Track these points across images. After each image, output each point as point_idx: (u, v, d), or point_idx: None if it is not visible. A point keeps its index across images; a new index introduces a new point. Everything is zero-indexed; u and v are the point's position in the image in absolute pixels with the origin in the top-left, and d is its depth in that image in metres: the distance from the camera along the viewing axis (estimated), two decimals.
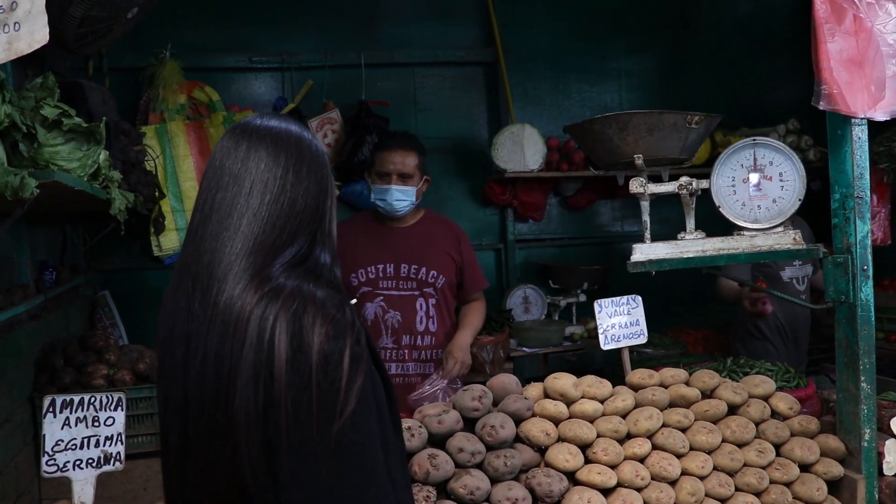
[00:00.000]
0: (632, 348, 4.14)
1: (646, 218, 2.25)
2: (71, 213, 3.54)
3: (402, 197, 2.97)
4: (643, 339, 2.37)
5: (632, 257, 2.18)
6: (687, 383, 2.22)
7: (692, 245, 2.18)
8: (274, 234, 1.19)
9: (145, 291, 4.14)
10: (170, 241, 4.06)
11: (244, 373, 1.08)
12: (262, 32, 4.52)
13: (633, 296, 2.38)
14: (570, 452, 1.93)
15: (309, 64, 4.51)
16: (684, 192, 2.16)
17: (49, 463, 1.71)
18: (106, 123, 2.97)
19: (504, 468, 1.86)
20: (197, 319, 1.15)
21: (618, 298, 2.37)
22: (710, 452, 2.04)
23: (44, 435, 1.71)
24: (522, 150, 4.35)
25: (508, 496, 1.81)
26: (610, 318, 2.33)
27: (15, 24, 1.38)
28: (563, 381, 2.08)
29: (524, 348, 4.18)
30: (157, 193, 3.63)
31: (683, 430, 2.07)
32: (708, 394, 2.21)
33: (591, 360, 4.39)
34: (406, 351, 3.03)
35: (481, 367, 3.68)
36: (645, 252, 2.18)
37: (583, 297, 4.55)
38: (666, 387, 2.19)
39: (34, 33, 1.32)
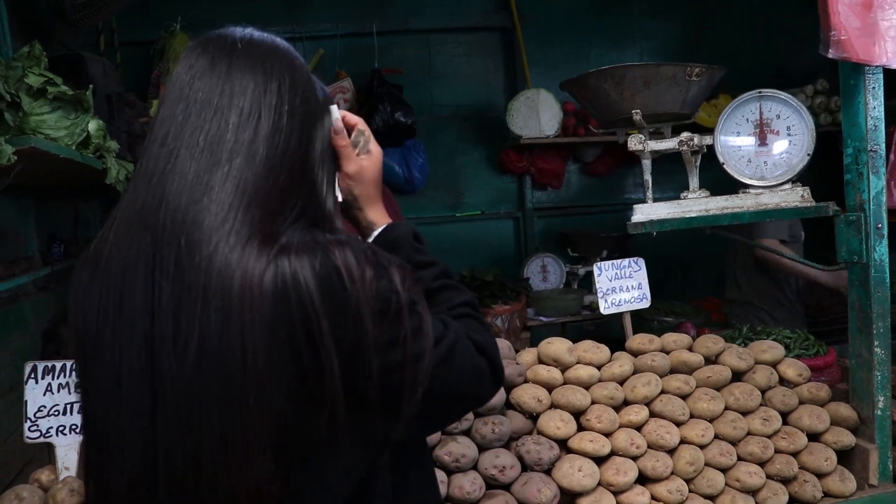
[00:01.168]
0: (650, 316, 4.07)
1: (647, 177, 2.17)
2: (82, 188, 3.55)
3: None
4: (646, 304, 2.27)
5: (632, 218, 2.10)
6: (690, 349, 2.13)
7: (695, 204, 2.08)
8: (271, 179, 0.94)
9: None
10: None
11: (275, 342, 0.87)
12: (272, 2, 4.47)
13: (635, 258, 2.28)
14: (561, 419, 1.86)
15: (320, 33, 4.47)
16: (685, 148, 2.06)
17: (32, 429, 1.70)
18: (108, 95, 2.98)
19: (492, 435, 1.80)
20: (170, 293, 0.89)
21: (619, 261, 2.28)
22: (711, 420, 1.94)
23: (26, 401, 1.71)
24: (538, 115, 4.24)
25: (496, 464, 1.75)
26: (610, 281, 2.24)
27: None
28: (556, 345, 2.01)
29: (542, 317, 4.12)
30: None
31: (684, 398, 1.98)
32: (712, 360, 2.12)
33: (610, 328, 4.29)
34: None
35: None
36: (646, 212, 2.10)
37: None
38: (668, 352, 2.10)
39: None
